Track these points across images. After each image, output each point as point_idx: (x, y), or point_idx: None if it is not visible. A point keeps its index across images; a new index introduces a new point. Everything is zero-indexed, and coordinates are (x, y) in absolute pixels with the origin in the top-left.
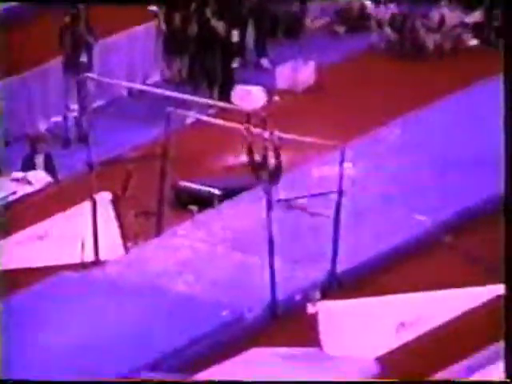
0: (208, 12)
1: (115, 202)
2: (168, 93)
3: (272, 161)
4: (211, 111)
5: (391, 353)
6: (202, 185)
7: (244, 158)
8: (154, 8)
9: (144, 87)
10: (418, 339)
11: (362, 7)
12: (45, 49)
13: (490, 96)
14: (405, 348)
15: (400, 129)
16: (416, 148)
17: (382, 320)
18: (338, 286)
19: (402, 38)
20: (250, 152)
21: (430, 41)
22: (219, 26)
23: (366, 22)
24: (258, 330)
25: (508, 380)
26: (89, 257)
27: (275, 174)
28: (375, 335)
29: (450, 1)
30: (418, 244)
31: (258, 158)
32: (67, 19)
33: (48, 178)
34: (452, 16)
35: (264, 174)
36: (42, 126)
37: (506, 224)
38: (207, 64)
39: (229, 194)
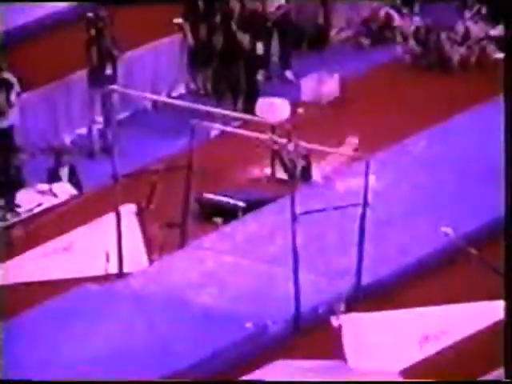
0: (233, 25)
1: (140, 214)
2: (193, 105)
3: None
4: (235, 123)
5: (415, 366)
6: (226, 197)
7: (268, 170)
8: (179, 20)
9: (169, 100)
10: (442, 352)
11: (388, 17)
12: (69, 61)
13: None
14: (429, 361)
15: (425, 141)
16: (441, 160)
17: (406, 333)
18: (362, 299)
19: (427, 50)
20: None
21: (455, 54)
22: (244, 38)
23: (390, 34)
24: (282, 343)
25: (508, 380)
26: (113, 269)
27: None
28: (399, 348)
29: (476, 14)
30: (443, 256)
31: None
32: (92, 32)
33: (73, 190)
34: (477, 29)
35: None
36: (67, 139)
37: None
38: (231, 76)
39: (253, 205)
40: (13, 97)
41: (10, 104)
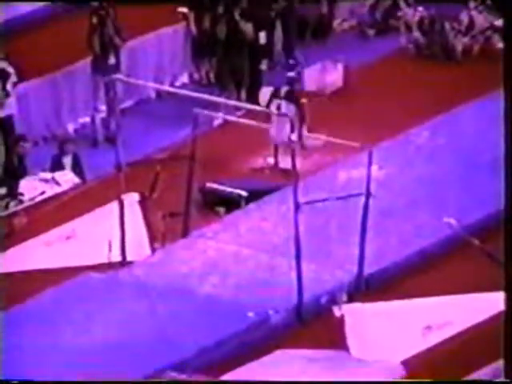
0: (236, 14)
1: (142, 203)
2: (196, 94)
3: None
4: (239, 113)
5: (417, 356)
6: (229, 186)
7: (271, 160)
8: (183, 9)
9: (172, 89)
10: (445, 342)
11: (393, 6)
12: (72, 50)
13: None
14: (431, 351)
15: (429, 131)
16: (444, 150)
17: (409, 323)
18: (364, 289)
19: (431, 40)
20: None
21: (459, 44)
22: (247, 28)
23: (394, 24)
24: (284, 332)
25: (508, 380)
26: (116, 257)
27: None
28: (402, 338)
29: (480, 4)
30: (446, 247)
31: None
32: (95, 20)
33: (76, 179)
34: (481, 19)
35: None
36: (71, 127)
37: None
38: (235, 66)
39: (256, 195)
40: (9, 86)
41: (6, 93)
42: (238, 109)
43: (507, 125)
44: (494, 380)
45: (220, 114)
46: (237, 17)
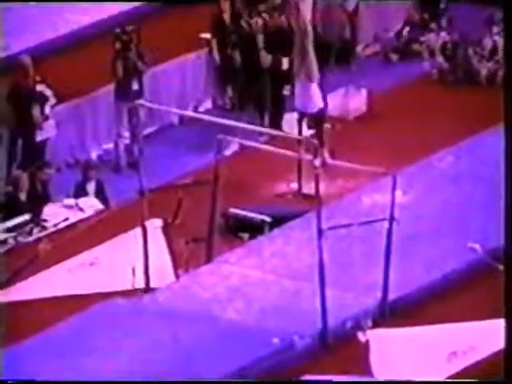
0: (259, 42)
1: (166, 229)
2: (219, 120)
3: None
4: (262, 138)
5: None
6: (252, 212)
7: (294, 185)
8: (206, 35)
9: (195, 114)
10: (470, 368)
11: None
12: (96, 76)
13: None
14: (457, 377)
15: (453, 156)
16: (468, 175)
17: (434, 349)
18: (389, 315)
19: (455, 65)
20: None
21: (483, 69)
22: (267, 57)
23: (417, 49)
24: (309, 358)
25: (508, 380)
26: (139, 283)
27: None
28: (427, 364)
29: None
30: (471, 272)
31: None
32: (118, 46)
33: (99, 205)
34: None
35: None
36: (94, 153)
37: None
38: (257, 91)
39: (279, 221)
40: (47, 109)
41: (45, 117)
42: (261, 134)
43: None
44: (494, 380)
45: (243, 140)
46: (260, 44)
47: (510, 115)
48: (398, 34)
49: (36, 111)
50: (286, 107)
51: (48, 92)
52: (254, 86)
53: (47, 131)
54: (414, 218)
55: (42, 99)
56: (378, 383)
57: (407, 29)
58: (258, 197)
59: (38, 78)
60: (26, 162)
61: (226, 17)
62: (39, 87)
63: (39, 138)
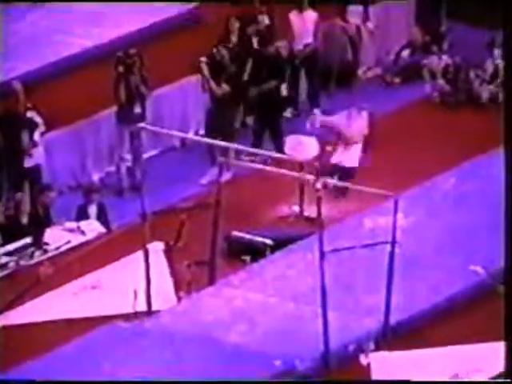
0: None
1: (168, 252)
2: (220, 143)
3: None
4: (262, 161)
5: None
6: (254, 235)
7: (296, 208)
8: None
9: (197, 137)
10: None
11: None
12: (98, 99)
13: None
14: None
15: (455, 178)
16: (471, 198)
17: (436, 372)
18: (391, 337)
19: (456, 88)
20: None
21: (485, 92)
22: (253, 92)
23: (419, 72)
24: (311, 381)
25: (508, 380)
26: (141, 307)
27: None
28: None
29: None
30: (473, 295)
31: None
32: (121, 69)
33: (101, 228)
34: None
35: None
36: (96, 176)
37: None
38: (258, 115)
39: (281, 244)
40: (37, 136)
41: (34, 143)
42: (262, 157)
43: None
44: (494, 380)
45: (245, 163)
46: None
47: (509, 138)
48: (397, 55)
49: (25, 138)
50: (288, 130)
51: (38, 119)
52: (253, 110)
53: (36, 158)
54: (416, 240)
55: (32, 126)
56: (378, 383)
57: (407, 51)
58: (260, 220)
59: (29, 105)
60: (16, 188)
61: (234, 38)
62: (29, 113)
63: (27, 164)
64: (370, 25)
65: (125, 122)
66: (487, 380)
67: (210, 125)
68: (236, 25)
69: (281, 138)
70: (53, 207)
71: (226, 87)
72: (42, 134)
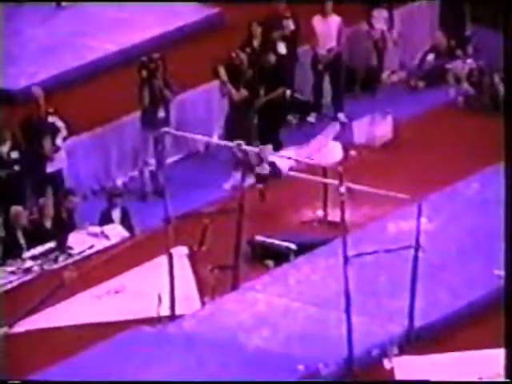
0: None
1: (192, 257)
2: (245, 147)
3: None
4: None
5: None
6: (277, 239)
7: (320, 213)
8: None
9: (221, 142)
10: None
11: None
12: (121, 104)
13: None
14: None
15: (478, 183)
16: (494, 203)
17: (460, 376)
18: (415, 342)
19: (481, 92)
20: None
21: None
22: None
23: (443, 76)
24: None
25: (508, 380)
26: (165, 311)
27: None
28: None
29: None
30: (496, 299)
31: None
32: (144, 74)
33: (125, 232)
34: None
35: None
36: (120, 181)
37: None
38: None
39: (305, 248)
40: (59, 141)
41: (56, 148)
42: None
43: None
44: (494, 380)
45: (268, 167)
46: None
47: None
48: (422, 59)
49: (47, 143)
50: (311, 134)
51: (60, 123)
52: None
53: (58, 162)
54: (439, 245)
55: (54, 130)
56: (377, 383)
57: (432, 55)
58: (283, 224)
59: (50, 110)
60: (39, 193)
61: (256, 43)
62: (51, 118)
63: (49, 169)
64: (394, 33)
65: (149, 126)
66: (487, 380)
67: (229, 130)
68: (258, 29)
69: (280, 145)
70: (77, 212)
71: (244, 92)
72: (65, 138)
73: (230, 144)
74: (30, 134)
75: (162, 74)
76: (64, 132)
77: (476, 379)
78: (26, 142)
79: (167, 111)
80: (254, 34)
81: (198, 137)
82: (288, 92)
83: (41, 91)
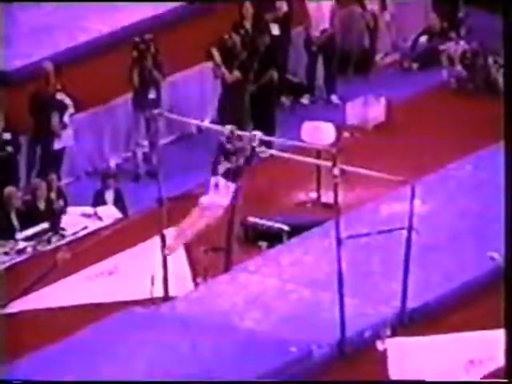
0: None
1: None
2: (237, 130)
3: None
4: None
5: None
6: (271, 221)
7: (313, 194)
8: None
9: (212, 125)
10: (487, 377)
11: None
12: (115, 84)
13: None
14: None
15: (471, 165)
16: (487, 185)
17: (452, 357)
18: (407, 323)
19: (474, 74)
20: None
21: (502, 77)
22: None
23: (436, 58)
24: (327, 367)
25: (508, 380)
26: (158, 292)
27: None
28: (444, 373)
29: None
30: (489, 281)
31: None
32: (135, 54)
33: (118, 214)
34: None
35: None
36: (113, 162)
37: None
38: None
39: (298, 230)
40: (66, 118)
41: (63, 125)
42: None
43: None
44: (494, 380)
45: (262, 149)
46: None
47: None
48: (415, 41)
49: (55, 119)
50: (304, 116)
51: (67, 101)
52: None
53: (65, 140)
54: (432, 226)
55: (62, 108)
56: (375, 383)
57: (425, 37)
58: (276, 206)
59: (58, 87)
60: (43, 171)
61: (248, 24)
62: (59, 95)
63: (57, 146)
64: (387, 15)
65: (140, 107)
66: (487, 380)
67: (222, 111)
68: (250, 10)
69: (273, 129)
70: (70, 192)
71: (237, 74)
72: (71, 115)
73: (221, 127)
74: (38, 110)
75: (152, 55)
76: (71, 109)
77: (468, 360)
78: (35, 117)
79: (158, 93)
80: (245, 14)
81: (191, 120)
82: (275, 75)
83: (51, 66)
